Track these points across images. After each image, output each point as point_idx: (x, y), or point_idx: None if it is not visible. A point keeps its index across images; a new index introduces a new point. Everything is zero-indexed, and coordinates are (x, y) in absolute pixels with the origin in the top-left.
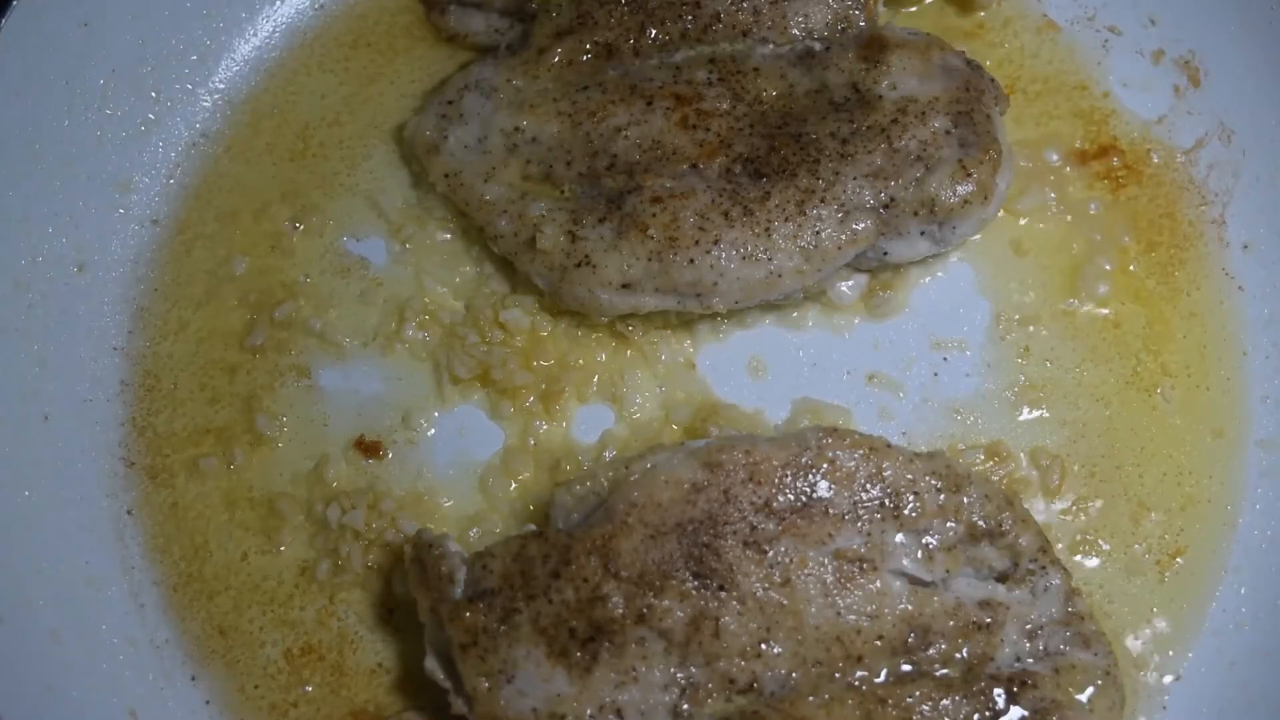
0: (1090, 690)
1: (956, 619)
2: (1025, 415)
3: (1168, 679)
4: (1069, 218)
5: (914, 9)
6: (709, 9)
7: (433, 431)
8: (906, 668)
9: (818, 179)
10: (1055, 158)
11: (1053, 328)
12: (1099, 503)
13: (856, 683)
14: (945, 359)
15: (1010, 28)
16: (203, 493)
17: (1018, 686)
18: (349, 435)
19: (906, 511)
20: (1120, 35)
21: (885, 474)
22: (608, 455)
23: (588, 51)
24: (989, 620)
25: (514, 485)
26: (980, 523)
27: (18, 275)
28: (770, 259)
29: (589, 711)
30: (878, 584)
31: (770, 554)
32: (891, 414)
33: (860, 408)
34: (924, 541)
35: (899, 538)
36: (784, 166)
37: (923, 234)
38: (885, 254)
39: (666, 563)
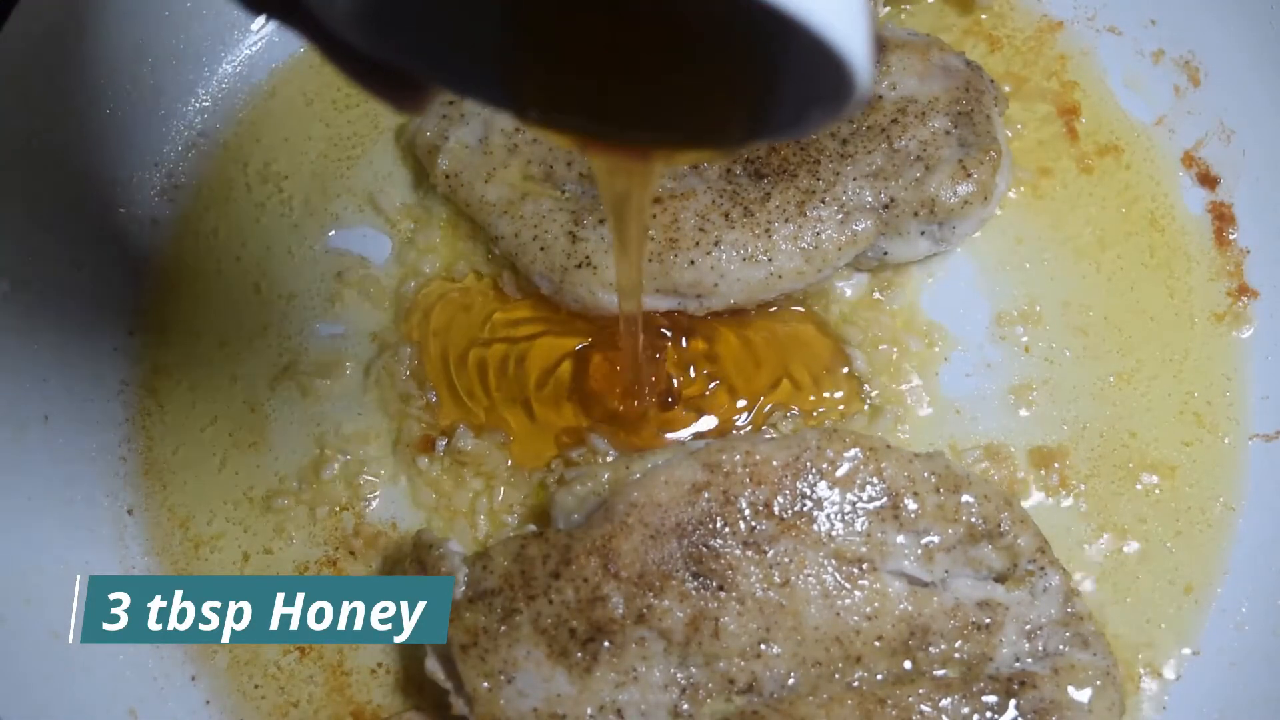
0: (1089, 691)
1: (956, 619)
2: (1025, 415)
3: (1168, 679)
4: (1070, 219)
5: (911, 8)
6: None
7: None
8: (906, 667)
9: (818, 179)
10: (1055, 158)
11: (1053, 327)
12: (1099, 502)
13: (856, 683)
14: (945, 359)
15: (1010, 28)
16: (202, 493)
17: (1017, 687)
18: (349, 435)
19: (906, 512)
20: (1120, 35)
21: (885, 474)
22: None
23: None
24: (988, 621)
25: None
26: (979, 523)
27: (18, 275)
28: (771, 260)
29: (589, 711)
30: (877, 584)
31: (770, 554)
32: (891, 414)
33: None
34: (923, 542)
35: (899, 538)
36: (784, 167)
37: (923, 234)
38: (885, 254)
39: (666, 563)
